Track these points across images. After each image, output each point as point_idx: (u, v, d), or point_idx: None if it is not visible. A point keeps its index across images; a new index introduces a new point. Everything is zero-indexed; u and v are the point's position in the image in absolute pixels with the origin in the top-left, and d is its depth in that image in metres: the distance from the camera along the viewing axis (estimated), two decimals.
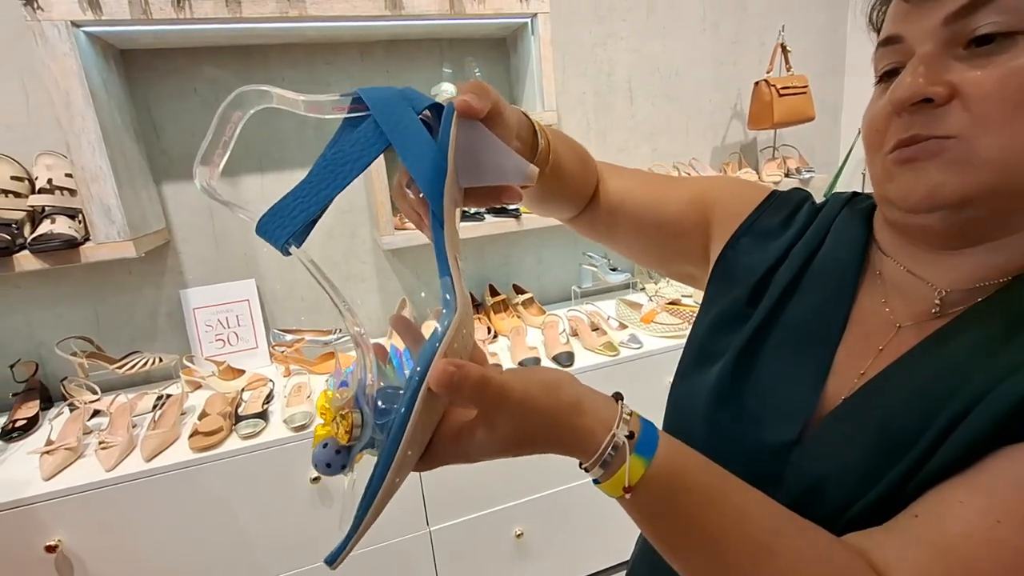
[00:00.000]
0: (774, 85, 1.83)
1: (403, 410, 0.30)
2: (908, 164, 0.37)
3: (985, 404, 0.33)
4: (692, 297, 1.81)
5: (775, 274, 0.50)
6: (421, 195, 0.36)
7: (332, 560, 0.31)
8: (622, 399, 0.37)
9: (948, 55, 0.35)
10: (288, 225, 0.32)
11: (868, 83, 0.41)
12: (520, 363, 1.44)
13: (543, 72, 1.51)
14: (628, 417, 0.35)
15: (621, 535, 1.53)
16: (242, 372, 1.47)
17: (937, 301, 0.40)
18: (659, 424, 0.54)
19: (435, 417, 0.33)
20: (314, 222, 0.33)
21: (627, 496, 0.34)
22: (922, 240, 0.40)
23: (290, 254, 0.33)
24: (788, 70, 1.89)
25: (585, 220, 0.61)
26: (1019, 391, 0.32)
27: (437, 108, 0.37)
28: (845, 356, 0.43)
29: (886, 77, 0.39)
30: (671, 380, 0.54)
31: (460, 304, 0.32)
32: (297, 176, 1.55)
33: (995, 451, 0.32)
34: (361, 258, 1.70)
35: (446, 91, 1.49)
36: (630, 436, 0.34)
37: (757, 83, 1.87)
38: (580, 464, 0.35)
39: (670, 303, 1.72)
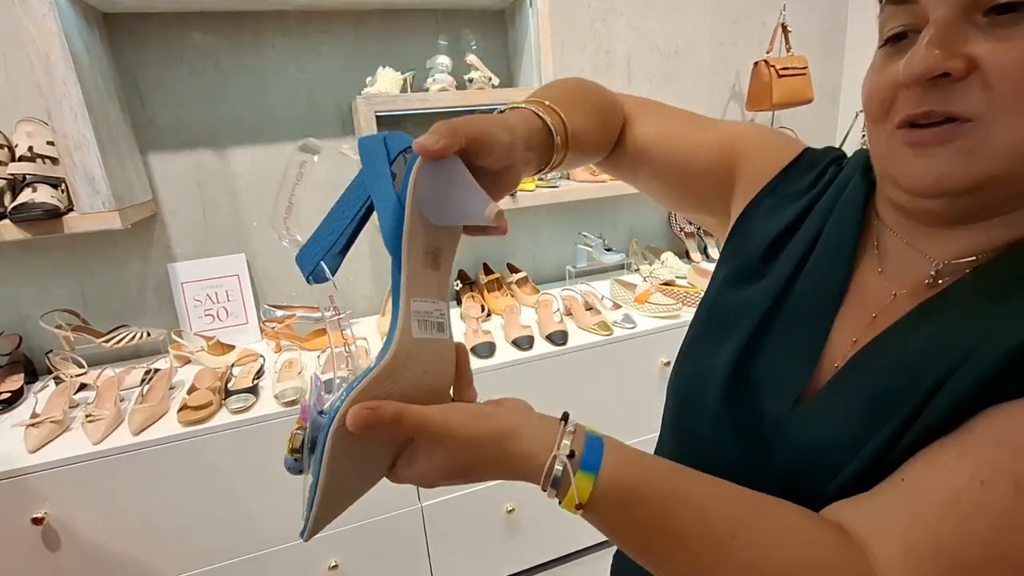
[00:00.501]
0: (774, 66, 1.81)
1: (319, 450, 0.34)
2: (919, 148, 0.35)
3: (968, 365, 0.32)
4: (686, 279, 1.81)
5: (792, 237, 0.48)
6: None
7: (302, 533, 0.36)
8: (567, 419, 0.38)
9: (966, 22, 0.33)
10: (309, 262, 0.38)
11: (867, 67, 0.39)
12: (513, 342, 1.44)
13: (541, 46, 1.47)
14: (572, 434, 0.36)
15: None
16: (232, 347, 1.45)
17: (932, 272, 0.40)
18: (660, 398, 0.54)
19: (366, 449, 0.36)
20: (342, 253, 0.38)
21: (579, 512, 0.36)
22: (922, 221, 0.40)
23: (311, 284, 0.38)
24: (788, 51, 1.87)
25: (608, 164, 0.60)
26: (1000, 351, 0.31)
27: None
28: (842, 326, 0.43)
29: (893, 40, 0.37)
30: (664, 360, 0.54)
31: (392, 354, 0.35)
32: (286, 149, 1.52)
33: (980, 412, 0.32)
34: None
35: (442, 64, 1.46)
36: (571, 455, 0.35)
37: (756, 63, 1.85)
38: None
39: (664, 284, 1.72)
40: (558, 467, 0.35)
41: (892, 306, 0.41)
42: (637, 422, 1.59)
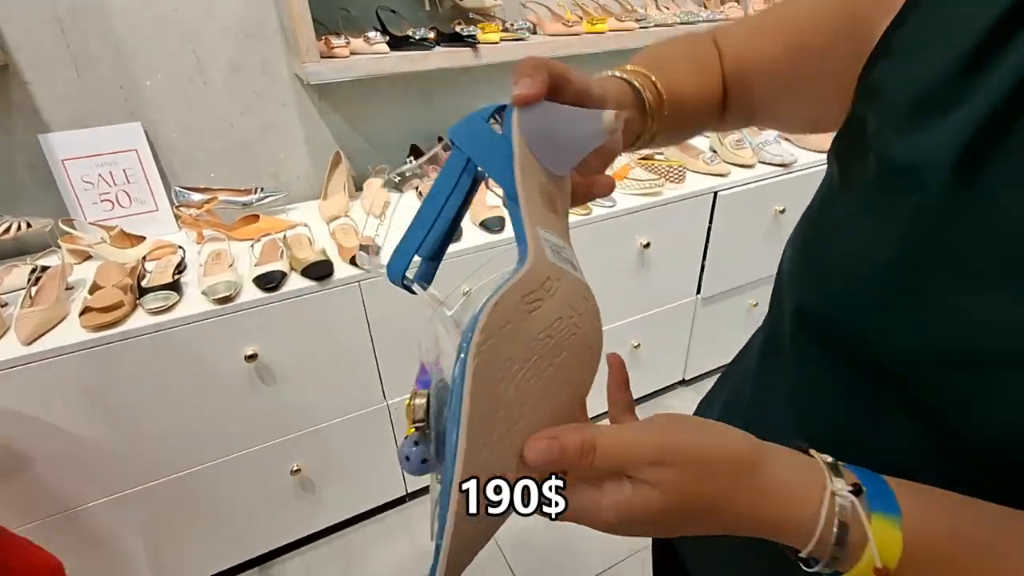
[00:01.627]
0: None
1: (456, 392, 0.25)
2: None
3: None
4: (663, 153, 1.66)
5: None
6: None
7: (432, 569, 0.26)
8: (805, 449, 0.27)
9: None
10: (398, 265, 0.33)
11: None
12: (481, 224, 1.27)
13: None
14: (832, 465, 0.26)
15: None
16: (142, 239, 1.20)
17: None
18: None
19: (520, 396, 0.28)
20: (435, 260, 0.34)
21: None
22: None
23: (413, 292, 0.33)
24: None
25: (728, 124, 0.49)
26: None
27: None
28: None
29: None
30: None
31: (530, 265, 0.28)
32: None
33: None
34: (281, 99, 1.38)
35: None
36: (857, 491, 0.24)
37: None
38: (796, 554, 0.26)
39: (643, 158, 1.56)
40: (842, 507, 0.24)
41: None
42: (618, 307, 1.52)
